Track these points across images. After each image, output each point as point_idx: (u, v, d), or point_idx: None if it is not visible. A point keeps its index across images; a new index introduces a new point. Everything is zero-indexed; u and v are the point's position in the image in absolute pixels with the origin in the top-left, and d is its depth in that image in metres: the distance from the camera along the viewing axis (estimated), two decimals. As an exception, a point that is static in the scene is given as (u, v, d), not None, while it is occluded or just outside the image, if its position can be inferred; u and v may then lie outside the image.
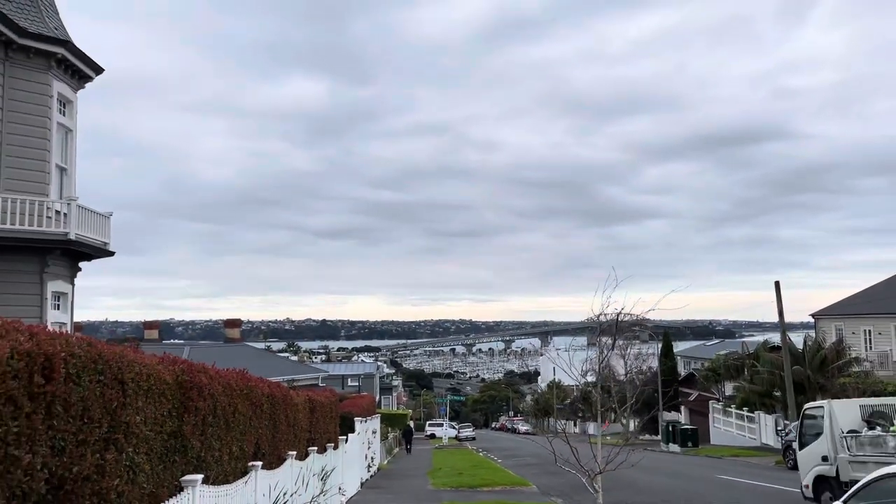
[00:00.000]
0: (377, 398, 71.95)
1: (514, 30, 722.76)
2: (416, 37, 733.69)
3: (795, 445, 19.51)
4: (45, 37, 17.27)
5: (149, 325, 56.96)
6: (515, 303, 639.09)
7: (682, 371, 66.34)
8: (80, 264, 18.42)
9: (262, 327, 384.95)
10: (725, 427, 46.34)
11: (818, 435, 17.49)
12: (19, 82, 16.96)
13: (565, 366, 15.15)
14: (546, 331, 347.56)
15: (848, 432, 16.58)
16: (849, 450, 16.24)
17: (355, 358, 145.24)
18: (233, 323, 56.24)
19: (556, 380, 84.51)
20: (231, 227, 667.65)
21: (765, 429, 39.99)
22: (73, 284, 18.13)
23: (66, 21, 19.08)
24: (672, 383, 55.93)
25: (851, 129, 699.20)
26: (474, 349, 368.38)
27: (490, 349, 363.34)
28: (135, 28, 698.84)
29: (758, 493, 21.68)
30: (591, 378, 18.86)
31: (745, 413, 42.77)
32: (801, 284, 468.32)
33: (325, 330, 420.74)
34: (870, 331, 43.14)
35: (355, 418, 25.88)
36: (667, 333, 67.58)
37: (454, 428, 78.07)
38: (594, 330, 13.90)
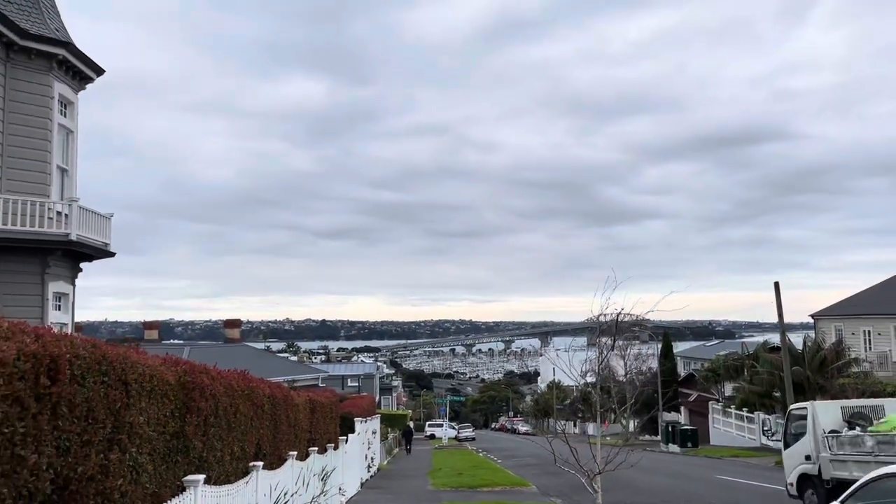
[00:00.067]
0: (377, 399, 72.01)
1: (514, 30, 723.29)
2: (415, 37, 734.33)
3: (781, 445, 19.96)
4: (46, 38, 17.32)
5: (148, 325, 57.04)
6: (515, 303, 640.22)
7: (682, 371, 66.39)
8: (81, 265, 18.47)
9: (262, 327, 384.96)
10: (725, 427, 46.39)
11: (802, 435, 17.96)
12: (21, 83, 17.01)
13: (565, 366, 15.19)
14: (546, 331, 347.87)
15: (829, 432, 17.02)
16: (830, 449, 16.69)
17: (355, 358, 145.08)
18: (233, 323, 56.30)
19: (556, 380, 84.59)
20: (231, 227, 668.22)
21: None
22: (74, 285, 18.18)
23: (65, 21, 19.14)
24: (672, 384, 56.07)
25: (851, 130, 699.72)
26: (474, 349, 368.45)
27: (490, 349, 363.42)
28: (135, 28, 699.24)
29: (757, 493, 21.73)
30: (590, 378, 18.92)
31: (745, 414, 42.81)
32: (801, 285, 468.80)
33: (325, 330, 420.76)
34: (869, 331, 43.20)
35: (355, 419, 25.93)
36: (666, 334, 67.65)
37: (454, 428, 78.11)
38: (594, 330, 13.95)
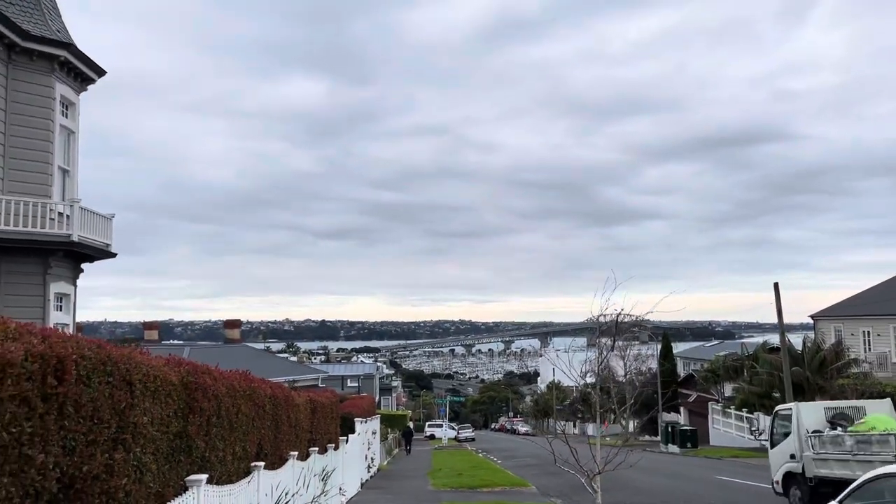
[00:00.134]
0: (377, 399, 72.02)
1: (514, 30, 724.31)
2: (415, 37, 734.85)
3: (767, 445, 20.58)
4: (48, 39, 17.37)
5: (149, 325, 57.15)
6: (515, 303, 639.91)
7: (682, 372, 66.42)
8: (83, 266, 18.52)
9: (262, 328, 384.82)
10: (725, 428, 46.45)
11: (787, 435, 18.66)
12: (22, 85, 17.06)
13: (565, 367, 15.24)
14: (546, 332, 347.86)
15: (812, 432, 17.64)
16: (812, 448, 17.34)
17: (354, 359, 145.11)
18: (233, 323, 56.33)
19: (556, 381, 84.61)
20: (231, 227, 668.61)
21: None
22: (75, 286, 18.23)
23: (65, 21, 19.19)
24: (671, 384, 56.09)
25: (851, 131, 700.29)
26: (474, 350, 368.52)
27: (490, 350, 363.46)
28: (135, 28, 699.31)
29: (756, 493, 21.77)
30: (590, 379, 18.98)
31: (745, 414, 42.87)
32: (801, 286, 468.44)
33: (325, 330, 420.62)
34: (869, 332, 43.22)
35: (355, 419, 25.98)
36: (666, 334, 67.71)
37: (454, 429, 78.15)
38: (594, 331, 14.01)
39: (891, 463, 13.91)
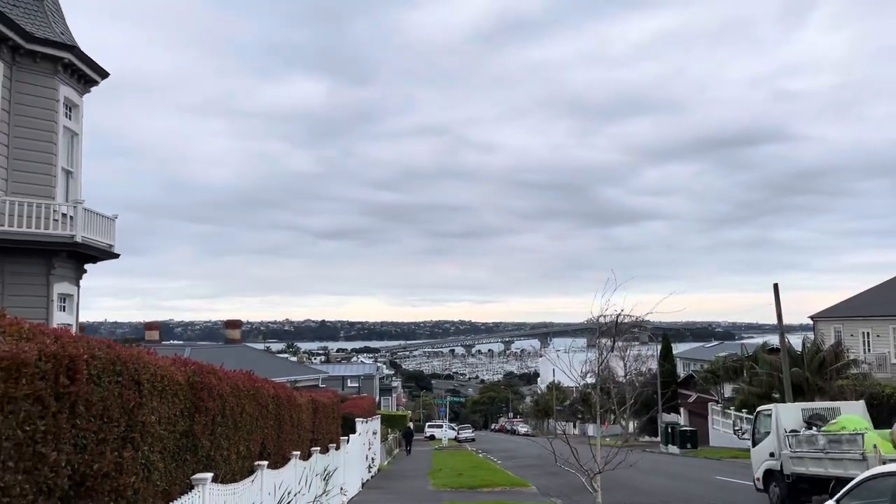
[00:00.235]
0: (377, 399, 72.13)
1: (515, 31, 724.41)
2: (416, 37, 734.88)
3: (749, 444, 21.49)
4: (51, 42, 17.47)
5: (150, 325, 57.28)
6: (515, 304, 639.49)
7: (682, 373, 66.50)
8: (86, 266, 18.62)
9: (262, 328, 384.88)
10: (724, 429, 46.49)
11: (767, 434, 19.69)
12: (26, 87, 17.17)
13: (565, 367, 15.34)
14: (546, 332, 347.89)
15: (790, 432, 18.59)
16: (790, 447, 18.24)
17: (354, 359, 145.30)
18: (233, 324, 56.39)
19: (556, 381, 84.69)
20: (231, 227, 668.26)
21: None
22: (78, 286, 18.33)
23: (67, 22, 19.29)
24: (671, 385, 56.16)
25: (851, 132, 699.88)
26: (474, 350, 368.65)
27: (489, 350, 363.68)
28: (135, 28, 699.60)
29: (755, 494, 21.84)
30: (590, 379, 19.07)
31: (745, 415, 42.91)
32: (801, 286, 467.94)
33: (325, 331, 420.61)
34: (868, 333, 43.31)
35: (356, 419, 26.08)
36: (666, 335, 67.76)
37: (453, 429, 78.27)
38: (594, 331, 14.11)
39: (859, 460, 14.95)
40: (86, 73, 18.62)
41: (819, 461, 16.87)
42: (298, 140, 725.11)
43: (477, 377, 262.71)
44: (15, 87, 16.98)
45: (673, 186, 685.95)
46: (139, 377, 6.01)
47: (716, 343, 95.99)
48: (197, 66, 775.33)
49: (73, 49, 17.94)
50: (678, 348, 79.14)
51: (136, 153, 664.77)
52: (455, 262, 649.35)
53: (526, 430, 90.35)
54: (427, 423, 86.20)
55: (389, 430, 47.86)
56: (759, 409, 21.93)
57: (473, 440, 70.61)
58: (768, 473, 19.33)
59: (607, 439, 21.81)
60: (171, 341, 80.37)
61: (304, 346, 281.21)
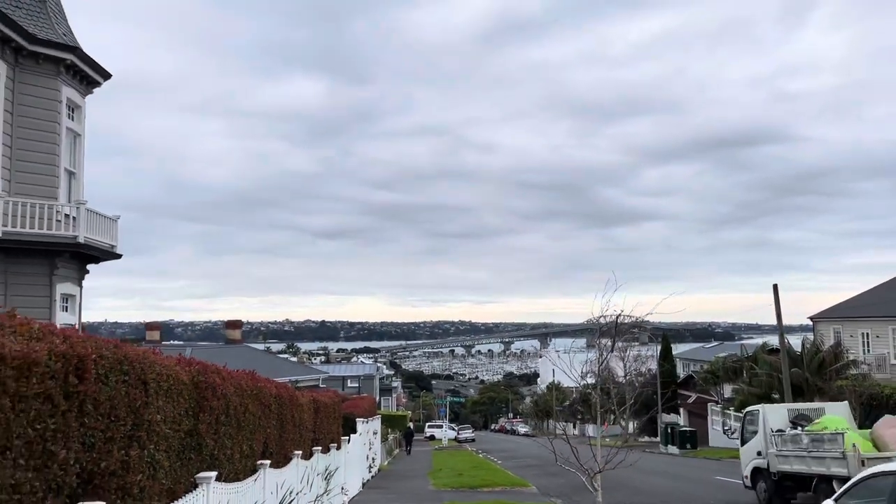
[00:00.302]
0: (377, 399, 72.21)
1: (515, 31, 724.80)
2: (415, 37, 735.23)
3: (738, 443, 22.08)
4: (54, 43, 17.55)
5: (150, 326, 57.36)
6: (515, 304, 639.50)
7: (681, 373, 66.57)
8: (88, 266, 18.69)
9: (262, 328, 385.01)
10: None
11: (755, 433, 20.35)
12: (29, 88, 17.24)
13: (565, 367, 15.41)
14: (545, 332, 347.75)
15: (776, 431, 19.25)
16: (775, 446, 18.89)
17: (354, 359, 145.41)
18: (234, 324, 56.48)
19: (556, 381, 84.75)
20: (230, 227, 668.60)
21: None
22: (80, 286, 18.40)
23: (70, 24, 19.35)
24: (671, 385, 56.22)
25: (851, 132, 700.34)
26: (473, 351, 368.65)
27: (489, 351, 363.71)
28: (134, 28, 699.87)
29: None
30: (590, 380, 19.14)
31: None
32: (800, 287, 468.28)
33: (325, 331, 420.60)
34: (868, 334, 43.34)
35: (357, 419, 26.15)
36: (666, 336, 67.84)
37: (453, 429, 78.35)
38: (594, 332, 14.18)
39: (839, 459, 15.54)
40: (88, 75, 18.70)
41: (803, 459, 17.52)
42: (298, 140, 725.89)
43: (477, 377, 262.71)
44: (18, 89, 17.06)
45: (673, 187, 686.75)
46: (145, 377, 6.08)
47: (715, 343, 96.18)
48: (196, 65, 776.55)
49: (76, 50, 18.01)
50: (678, 349, 79.23)
51: (135, 153, 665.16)
52: (455, 262, 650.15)
53: (526, 430, 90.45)
54: (427, 424, 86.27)
55: (389, 431, 47.95)
56: (747, 409, 22.71)
57: (473, 440, 70.67)
58: (756, 471, 20.01)
59: (607, 439, 21.84)
60: (172, 341, 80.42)
61: (304, 346, 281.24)
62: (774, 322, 31.93)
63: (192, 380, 7.49)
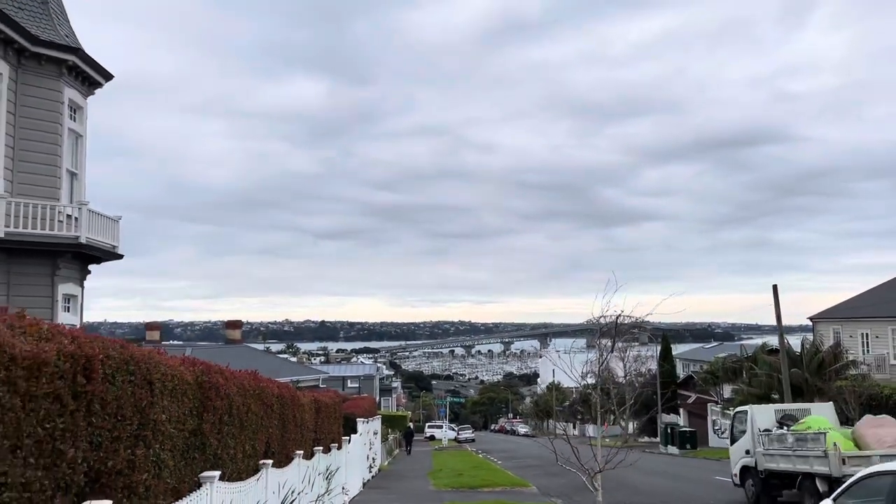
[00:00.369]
0: (377, 400, 72.26)
1: (515, 31, 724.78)
2: (416, 38, 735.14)
3: (728, 442, 22.69)
4: (56, 44, 17.62)
5: (150, 326, 57.42)
6: (515, 304, 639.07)
7: (681, 373, 66.65)
8: (90, 267, 18.75)
9: (261, 328, 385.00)
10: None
11: (744, 433, 21.01)
12: (31, 89, 17.31)
13: (565, 367, 15.48)
14: (545, 333, 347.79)
15: (763, 431, 19.86)
16: (763, 445, 19.52)
17: (354, 359, 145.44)
18: (234, 324, 56.55)
19: (556, 381, 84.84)
20: (231, 227, 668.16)
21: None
22: (82, 287, 18.46)
23: (71, 25, 19.41)
24: (671, 386, 56.31)
25: (851, 133, 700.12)
26: (473, 351, 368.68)
27: (489, 351, 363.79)
28: (135, 29, 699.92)
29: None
30: (590, 380, 19.21)
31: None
32: (800, 287, 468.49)
33: (324, 331, 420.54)
34: (867, 334, 43.41)
35: (357, 419, 26.20)
36: (665, 336, 67.91)
37: (453, 430, 78.41)
38: (594, 332, 14.24)
39: (821, 457, 16.10)
40: (90, 76, 18.76)
41: (788, 458, 18.14)
42: (298, 140, 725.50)
43: (477, 378, 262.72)
44: (20, 90, 17.12)
45: (673, 187, 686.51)
46: (151, 376, 6.14)
47: (715, 344, 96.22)
48: (197, 66, 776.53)
49: (78, 51, 18.08)
50: (678, 349, 79.32)
51: (136, 153, 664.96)
52: (455, 262, 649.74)
53: (526, 430, 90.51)
54: (427, 424, 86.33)
55: (389, 431, 48.00)
56: (736, 409, 23.43)
57: (473, 440, 70.73)
58: (744, 470, 20.63)
59: (607, 440, 21.88)
60: (171, 342, 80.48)
61: (304, 346, 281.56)
62: (774, 322, 32.00)
63: (196, 380, 7.55)
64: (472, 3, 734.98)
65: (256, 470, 9.65)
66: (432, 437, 71.79)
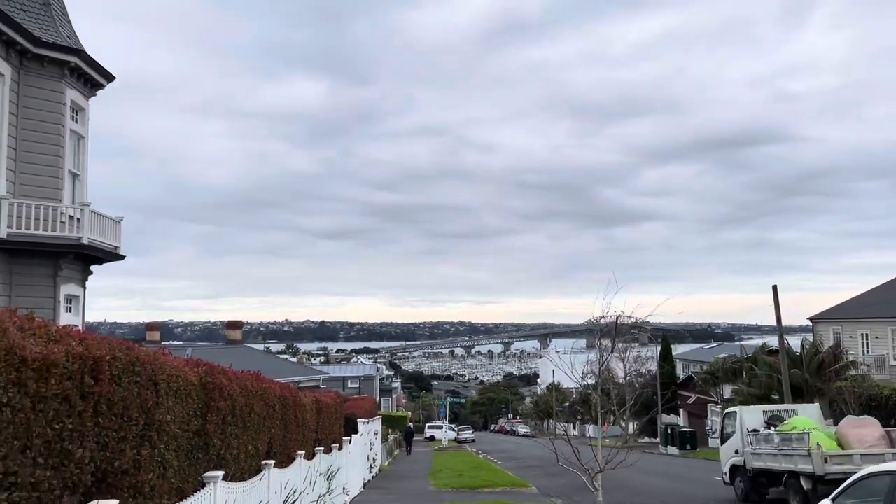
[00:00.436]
0: (377, 400, 72.31)
1: (515, 31, 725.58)
2: (416, 38, 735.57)
3: (718, 442, 23.49)
4: (58, 46, 17.67)
5: (150, 326, 57.46)
6: (515, 305, 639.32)
7: (681, 374, 66.69)
8: (91, 267, 18.81)
9: (261, 328, 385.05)
10: (723, 430, 46.65)
11: (733, 433, 21.65)
12: (34, 90, 17.36)
13: (565, 368, 15.54)
14: (545, 333, 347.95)
15: (751, 431, 20.45)
16: (751, 445, 20.11)
17: (354, 360, 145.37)
18: (234, 325, 56.57)
19: (556, 382, 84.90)
20: (231, 228, 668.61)
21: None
22: (84, 288, 18.51)
23: (72, 25, 19.46)
24: (671, 386, 56.35)
25: (851, 133, 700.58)
26: (473, 351, 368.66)
27: (489, 351, 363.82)
28: (135, 29, 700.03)
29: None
30: (590, 381, 19.29)
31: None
32: (800, 288, 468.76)
33: (324, 331, 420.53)
34: (867, 335, 43.43)
35: (358, 420, 26.26)
36: (665, 337, 67.97)
37: (453, 430, 78.47)
38: (594, 333, 14.31)
39: (805, 456, 16.54)
40: (92, 77, 18.82)
41: (774, 457, 18.73)
42: (298, 140, 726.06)
43: (477, 378, 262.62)
44: (23, 91, 17.18)
45: (673, 187, 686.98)
46: (156, 377, 6.20)
47: (715, 344, 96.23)
48: (197, 66, 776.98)
49: (80, 53, 18.14)
50: (678, 350, 79.35)
51: (136, 154, 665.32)
52: (455, 262, 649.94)
53: (526, 431, 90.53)
54: (427, 424, 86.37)
55: (390, 431, 48.07)
56: (726, 410, 24.27)
57: (473, 441, 70.78)
58: (734, 469, 21.24)
59: (607, 440, 21.96)
60: (171, 342, 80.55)
61: (304, 346, 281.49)
62: (774, 323, 32.04)
63: (201, 381, 7.60)
64: (472, 3, 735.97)
65: (259, 470, 9.71)
66: (432, 438, 71.84)
